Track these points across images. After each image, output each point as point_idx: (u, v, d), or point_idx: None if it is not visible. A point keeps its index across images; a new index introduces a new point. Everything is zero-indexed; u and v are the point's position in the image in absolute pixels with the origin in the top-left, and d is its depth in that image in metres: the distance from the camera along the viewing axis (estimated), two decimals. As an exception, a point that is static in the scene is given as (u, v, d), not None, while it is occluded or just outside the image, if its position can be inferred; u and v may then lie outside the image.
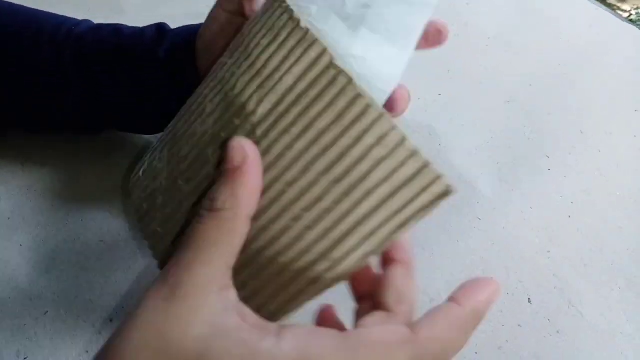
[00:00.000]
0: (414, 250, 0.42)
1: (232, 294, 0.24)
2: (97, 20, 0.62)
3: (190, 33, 0.41)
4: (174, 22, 0.61)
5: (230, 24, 0.38)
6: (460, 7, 0.63)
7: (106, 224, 0.44)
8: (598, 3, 0.68)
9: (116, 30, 0.43)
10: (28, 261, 0.42)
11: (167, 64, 0.41)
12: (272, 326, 0.23)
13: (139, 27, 0.44)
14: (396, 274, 0.27)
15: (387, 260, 0.28)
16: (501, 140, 0.50)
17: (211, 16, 0.39)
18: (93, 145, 0.48)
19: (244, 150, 0.25)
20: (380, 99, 0.30)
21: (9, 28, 0.43)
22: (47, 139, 0.49)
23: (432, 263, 0.42)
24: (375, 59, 0.28)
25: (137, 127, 0.46)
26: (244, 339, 0.22)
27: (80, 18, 0.61)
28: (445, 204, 0.44)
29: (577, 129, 0.51)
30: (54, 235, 0.43)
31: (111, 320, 0.39)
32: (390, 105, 0.32)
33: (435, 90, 0.54)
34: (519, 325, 0.39)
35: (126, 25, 0.44)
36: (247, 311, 0.23)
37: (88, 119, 0.45)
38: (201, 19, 0.64)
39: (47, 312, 0.39)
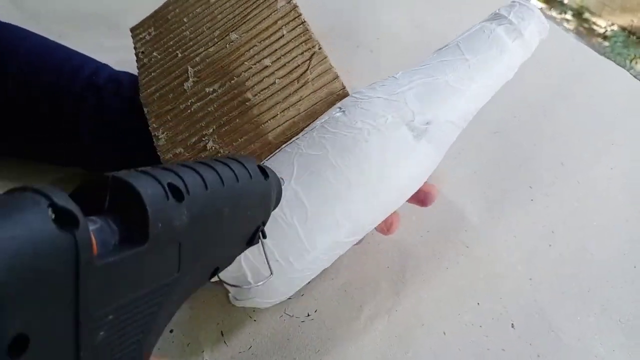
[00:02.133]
0: (404, 274, 0.44)
1: None
2: (95, 39, 0.64)
3: None
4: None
5: None
6: (450, 38, 0.65)
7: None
8: (577, 37, 0.72)
9: (134, 83, 0.45)
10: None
11: None
12: None
13: None
14: None
15: None
16: (487, 171, 0.53)
17: None
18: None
19: None
20: (417, 189, 0.39)
21: (31, 68, 0.44)
22: (35, 166, 0.50)
23: (421, 288, 0.44)
24: (425, 161, 0.38)
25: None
26: None
27: (77, 36, 0.63)
28: (435, 231, 0.47)
29: (558, 160, 0.54)
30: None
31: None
32: (423, 198, 0.41)
33: (425, 119, 0.57)
34: (502, 350, 0.41)
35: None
36: None
37: (101, 162, 0.46)
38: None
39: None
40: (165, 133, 0.42)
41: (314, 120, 0.40)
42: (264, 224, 0.27)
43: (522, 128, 0.58)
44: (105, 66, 0.47)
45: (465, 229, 0.48)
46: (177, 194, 0.19)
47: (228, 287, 0.37)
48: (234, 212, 0.23)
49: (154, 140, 0.42)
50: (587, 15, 2.88)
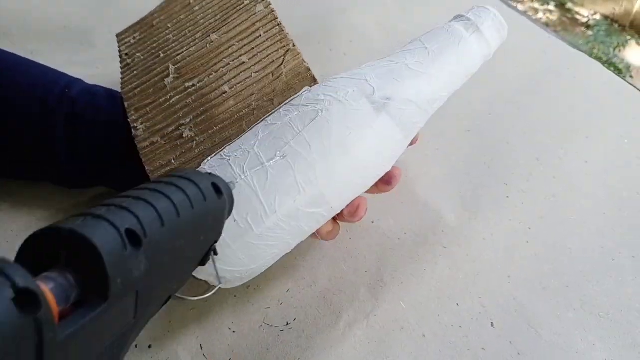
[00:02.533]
0: (382, 277, 0.44)
1: None
2: (66, 54, 0.63)
3: None
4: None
5: None
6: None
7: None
8: (550, 30, 0.72)
9: (111, 97, 0.46)
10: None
11: None
12: None
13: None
14: None
15: None
16: (463, 169, 0.53)
17: None
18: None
19: None
20: (383, 171, 0.40)
21: (1, 87, 0.43)
22: (23, 181, 0.50)
23: (400, 291, 0.44)
24: (387, 137, 0.38)
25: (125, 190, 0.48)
26: None
27: (49, 51, 0.62)
28: (413, 233, 0.47)
29: (532, 156, 0.54)
30: (32, 276, 0.44)
31: None
32: (387, 178, 0.40)
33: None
34: (483, 349, 0.41)
35: (116, 91, 0.47)
36: None
37: (77, 179, 0.46)
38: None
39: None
40: (143, 124, 0.44)
41: None
42: (216, 242, 0.26)
43: (496, 124, 0.58)
44: (78, 80, 0.47)
45: (443, 230, 0.48)
46: (134, 240, 0.19)
47: None
48: (190, 241, 0.22)
49: (132, 130, 0.44)
50: (569, 5, 2.89)
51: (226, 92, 0.43)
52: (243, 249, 0.36)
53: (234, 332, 0.42)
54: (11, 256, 0.44)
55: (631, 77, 2.27)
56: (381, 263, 0.46)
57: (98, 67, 0.62)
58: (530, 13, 2.63)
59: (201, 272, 0.37)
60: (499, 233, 0.48)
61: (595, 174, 0.53)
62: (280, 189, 0.35)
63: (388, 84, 0.38)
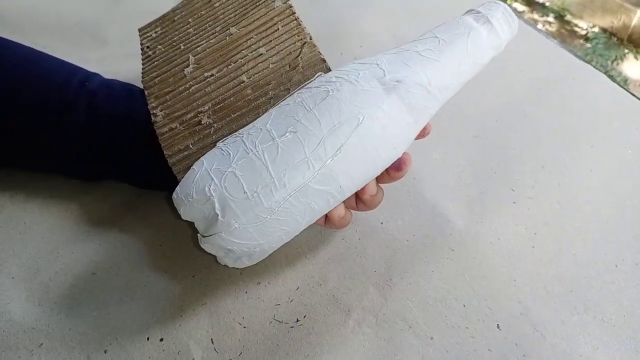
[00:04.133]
0: (391, 277, 0.45)
1: None
2: (79, 50, 0.64)
3: None
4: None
5: None
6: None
7: (97, 257, 0.46)
8: (556, 41, 0.73)
9: (128, 91, 0.47)
10: (20, 293, 0.43)
11: None
12: None
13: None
14: None
15: None
16: (470, 174, 0.54)
17: None
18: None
19: None
20: (393, 156, 0.39)
21: (18, 78, 0.44)
22: (36, 173, 0.50)
23: (408, 291, 0.45)
24: (397, 119, 0.38)
25: (138, 184, 0.48)
26: None
27: (61, 48, 0.63)
28: (421, 235, 0.48)
29: (538, 163, 0.55)
30: (45, 267, 0.45)
31: (105, 352, 0.40)
32: (398, 164, 0.40)
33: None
34: (489, 350, 0.42)
35: (136, 87, 0.48)
36: None
37: (91, 171, 0.47)
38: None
39: (42, 344, 0.41)
40: (162, 111, 0.45)
41: None
42: None
43: (503, 131, 0.59)
44: (96, 74, 0.48)
45: (450, 233, 0.49)
46: None
47: (197, 225, 0.39)
48: None
49: (152, 117, 0.45)
50: (568, 17, 2.92)
51: (244, 81, 0.45)
52: (253, 221, 0.36)
53: (244, 327, 0.42)
54: (23, 248, 0.44)
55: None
56: (390, 263, 0.47)
57: (111, 64, 0.62)
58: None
59: (210, 246, 0.38)
60: (505, 237, 0.49)
61: (600, 183, 0.54)
62: (290, 164, 0.36)
63: (399, 68, 0.39)
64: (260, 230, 0.37)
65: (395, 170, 0.41)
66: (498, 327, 0.44)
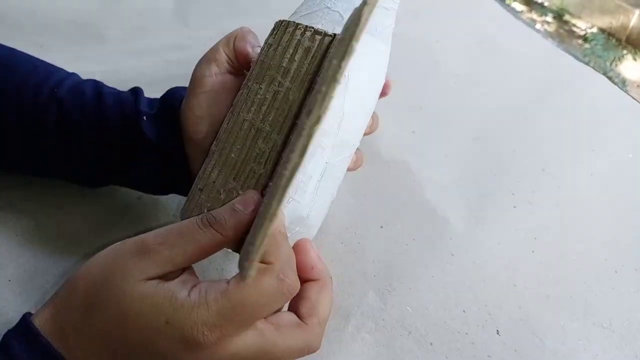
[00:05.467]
0: (391, 282, 0.45)
1: None
2: (77, 48, 0.63)
3: (172, 106, 0.42)
4: (152, 54, 0.62)
5: (223, 89, 0.40)
6: (431, 45, 0.66)
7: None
8: (557, 43, 0.73)
9: (98, 95, 0.43)
10: (17, 296, 0.43)
11: (154, 142, 0.42)
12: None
13: (117, 91, 0.44)
14: (311, 289, 0.33)
15: (304, 280, 0.33)
16: (470, 177, 0.54)
17: (196, 89, 0.40)
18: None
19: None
20: (381, 86, 0.40)
21: None
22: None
23: (408, 296, 0.45)
24: (374, 54, 0.38)
25: (127, 184, 0.47)
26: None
27: (59, 46, 0.62)
28: (420, 239, 0.48)
29: (539, 166, 0.55)
30: (43, 270, 0.44)
31: (102, 356, 0.40)
32: (384, 91, 0.42)
33: (409, 126, 0.57)
34: (488, 356, 0.42)
35: (105, 86, 0.45)
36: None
37: (77, 176, 0.45)
38: (182, 51, 0.65)
39: (38, 348, 0.40)
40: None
41: None
42: None
43: (503, 134, 0.58)
44: (71, 76, 0.45)
45: (450, 237, 0.49)
46: None
47: None
48: None
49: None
50: (567, 17, 2.92)
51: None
52: (298, 222, 0.36)
53: (243, 332, 0.42)
54: (20, 251, 0.44)
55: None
56: (389, 268, 0.46)
57: (108, 62, 0.62)
58: (528, 24, 2.64)
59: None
60: (505, 242, 0.49)
61: (600, 187, 0.54)
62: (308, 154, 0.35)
63: (347, 5, 0.37)
64: (306, 224, 0.37)
65: (382, 95, 0.42)
66: (498, 332, 0.43)
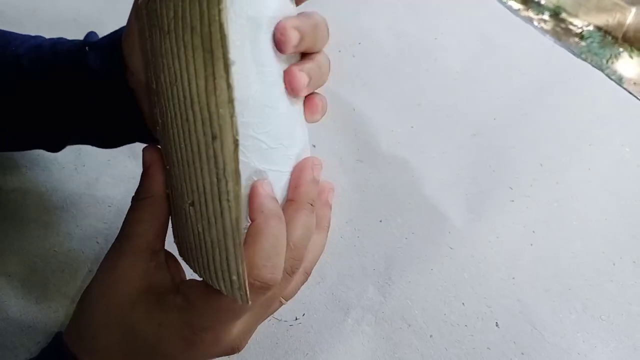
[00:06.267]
0: (390, 276, 0.45)
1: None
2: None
3: (119, 35, 0.38)
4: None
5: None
6: (430, 43, 0.66)
7: (94, 254, 0.45)
8: (555, 38, 0.73)
9: (54, 42, 0.41)
10: (17, 292, 0.43)
11: (97, 73, 0.38)
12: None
13: (74, 41, 0.41)
14: (286, 210, 0.29)
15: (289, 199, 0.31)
16: (469, 173, 0.54)
17: (128, 25, 0.36)
18: (78, 174, 0.50)
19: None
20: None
21: None
22: (28, 166, 0.50)
23: (408, 289, 0.45)
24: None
25: (92, 140, 0.43)
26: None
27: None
28: (420, 234, 0.48)
29: (537, 162, 0.55)
30: (43, 265, 0.44)
31: (104, 350, 0.40)
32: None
33: (408, 123, 0.58)
34: (488, 348, 0.42)
35: (65, 40, 0.41)
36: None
37: (41, 134, 0.43)
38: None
39: (39, 342, 0.40)
40: None
41: None
42: None
43: (501, 130, 0.59)
44: (37, 37, 0.43)
45: (449, 231, 0.49)
46: None
47: None
48: None
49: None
50: (563, 15, 2.93)
51: None
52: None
53: (243, 326, 0.42)
54: (20, 246, 0.44)
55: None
56: (389, 262, 0.47)
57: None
58: (525, 22, 2.65)
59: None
60: (504, 236, 0.49)
61: (598, 181, 0.54)
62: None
63: None
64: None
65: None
66: (497, 325, 0.44)
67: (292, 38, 0.29)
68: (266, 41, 0.28)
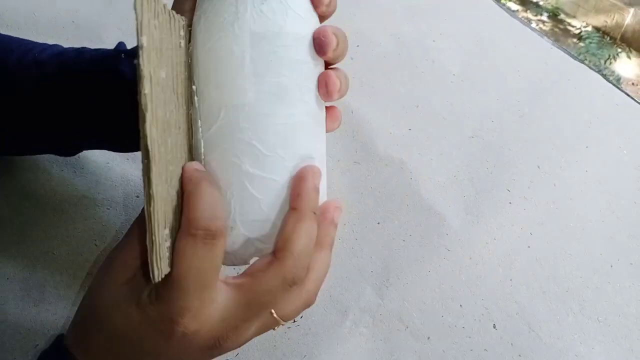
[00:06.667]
0: (388, 278, 0.45)
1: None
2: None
3: None
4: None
5: None
6: (427, 45, 0.66)
7: (93, 257, 0.46)
8: (551, 40, 0.73)
9: (79, 51, 0.42)
10: (16, 294, 0.43)
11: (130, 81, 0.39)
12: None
13: (101, 49, 0.43)
14: (287, 220, 0.30)
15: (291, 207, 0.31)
16: (466, 174, 0.54)
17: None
18: (77, 177, 0.50)
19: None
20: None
21: None
22: (28, 169, 0.50)
23: (405, 291, 0.45)
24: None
25: (105, 143, 0.45)
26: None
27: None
28: (417, 235, 0.48)
29: (534, 163, 0.56)
30: (41, 268, 0.44)
31: (102, 353, 0.40)
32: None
33: (406, 124, 0.58)
34: (485, 350, 0.42)
35: (89, 48, 0.43)
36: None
37: (58, 137, 0.44)
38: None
39: (37, 345, 0.40)
40: None
41: None
42: None
43: (498, 131, 0.59)
44: (56, 45, 0.44)
45: (447, 233, 0.49)
46: None
47: None
48: None
49: None
50: (562, 16, 2.93)
51: None
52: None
53: (241, 328, 0.42)
54: (18, 249, 0.44)
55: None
56: (386, 264, 0.47)
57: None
58: (524, 23, 2.66)
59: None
60: (501, 238, 0.49)
61: (595, 183, 0.54)
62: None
63: None
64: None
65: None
66: (494, 326, 0.44)
67: (333, 42, 0.31)
68: (270, 54, 0.30)
